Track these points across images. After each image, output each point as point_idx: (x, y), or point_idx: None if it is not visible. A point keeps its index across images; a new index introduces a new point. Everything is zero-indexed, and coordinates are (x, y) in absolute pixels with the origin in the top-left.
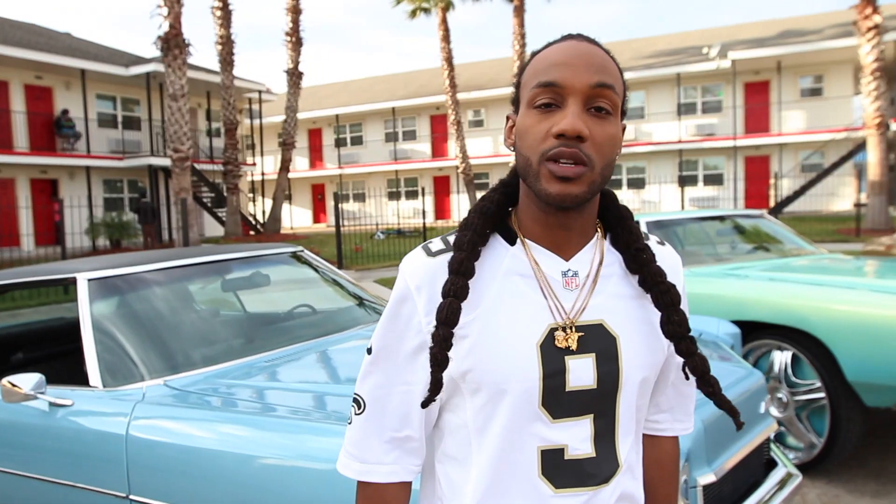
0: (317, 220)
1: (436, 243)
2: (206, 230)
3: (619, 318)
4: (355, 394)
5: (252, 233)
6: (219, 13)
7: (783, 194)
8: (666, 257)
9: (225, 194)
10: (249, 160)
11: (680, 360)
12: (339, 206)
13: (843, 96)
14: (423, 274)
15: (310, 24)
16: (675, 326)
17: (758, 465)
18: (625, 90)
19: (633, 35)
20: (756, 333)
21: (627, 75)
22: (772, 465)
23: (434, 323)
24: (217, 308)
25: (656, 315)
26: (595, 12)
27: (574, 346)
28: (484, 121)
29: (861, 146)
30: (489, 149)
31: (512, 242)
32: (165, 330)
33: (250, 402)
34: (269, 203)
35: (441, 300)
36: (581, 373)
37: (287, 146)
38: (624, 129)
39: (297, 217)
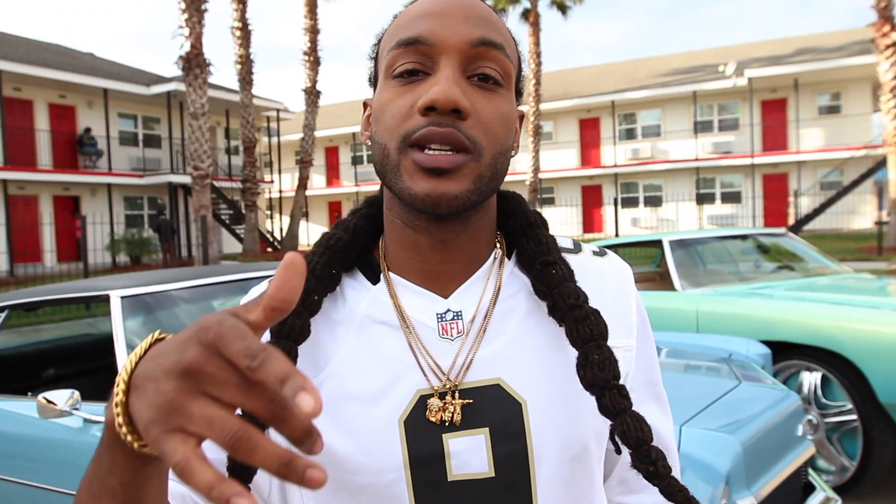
0: None
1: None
2: (224, 247)
3: (525, 374)
4: None
5: (269, 249)
6: (238, 33)
7: (802, 212)
8: (606, 272)
9: (243, 211)
10: (267, 178)
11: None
12: None
13: (861, 114)
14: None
15: (328, 44)
16: (593, 370)
17: (796, 490)
18: (520, 61)
19: (649, 53)
20: (784, 354)
21: (643, 93)
22: (810, 489)
23: None
24: None
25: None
26: (611, 30)
27: (457, 419)
28: None
29: (881, 163)
30: None
31: (374, 280)
32: None
33: None
34: (286, 220)
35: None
36: (468, 456)
37: (304, 164)
38: (522, 118)
39: (313, 234)
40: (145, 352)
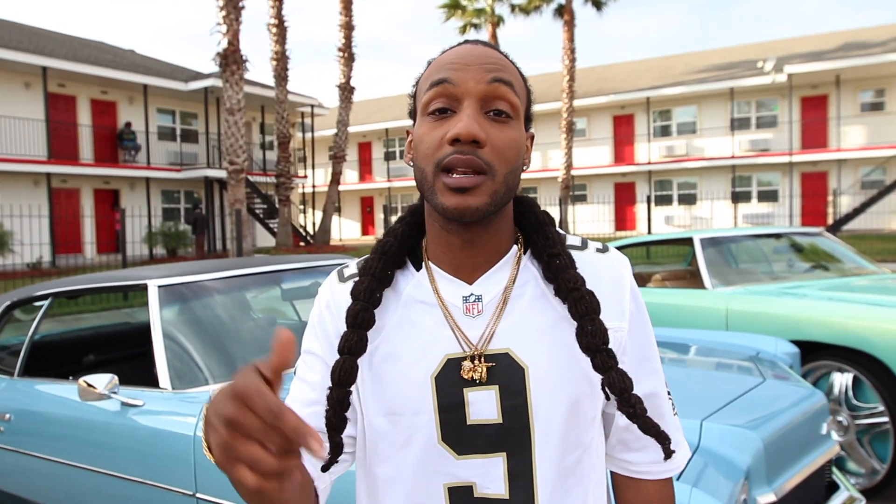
0: (365, 232)
1: (351, 267)
2: (258, 240)
3: (529, 345)
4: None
5: (302, 244)
6: (274, 30)
7: (842, 211)
8: (605, 264)
9: (277, 206)
10: (301, 173)
11: (644, 390)
12: (388, 218)
13: None
14: (332, 299)
15: (361, 40)
16: (589, 338)
17: (819, 488)
18: (528, 95)
19: (686, 49)
20: (815, 354)
21: (679, 90)
22: (833, 488)
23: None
24: (274, 316)
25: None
26: (647, 26)
27: (483, 378)
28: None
29: None
30: (537, 163)
31: (419, 268)
32: (228, 336)
33: None
34: (319, 215)
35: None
36: (482, 405)
37: (338, 159)
38: (531, 138)
39: (346, 229)
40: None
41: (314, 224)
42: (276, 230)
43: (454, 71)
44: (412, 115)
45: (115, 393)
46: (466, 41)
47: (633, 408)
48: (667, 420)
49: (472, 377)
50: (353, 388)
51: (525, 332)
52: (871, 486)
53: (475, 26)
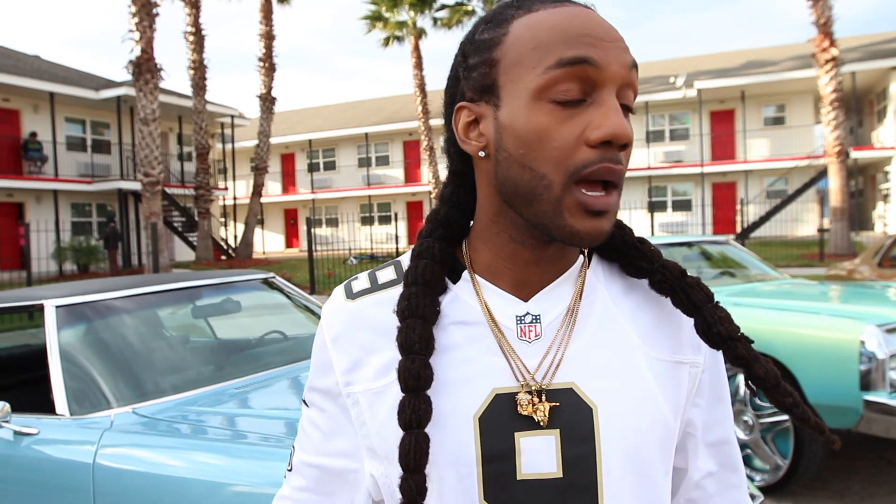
0: (289, 244)
1: (360, 281)
2: (176, 255)
3: (598, 379)
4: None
5: (223, 257)
6: (192, 38)
7: (750, 220)
8: None
9: (196, 219)
10: (221, 185)
11: (718, 437)
12: (312, 230)
13: (804, 125)
14: (340, 323)
15: (283, 50)
16: (722, 325)
17: None
18: None
19: None
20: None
21: None
22: None
23: (353, 386)
24: (187, 334)
25: (660, 364)
26: None
27: (545, 420)
28: None
29: (823, 173)
30: None
31: (455, 278)
32: (134, 357)
33: (221, 429)
34: (241, 227)
35: (359, 358)
36: (537, 455)
37: (260, 171)
38: None
39: (269, 242)
40: None
41: (236, 237)
42: (195, 244)
43: (594, 47)
44: (484, 90)
45: (6, 422)
46: (574, 2)
47: (791, 397)
48: (741, 473)
49: (533, 415)
50: (358, 438)
51: (593, 361)
52: (775, 481)
53: (398, 39)
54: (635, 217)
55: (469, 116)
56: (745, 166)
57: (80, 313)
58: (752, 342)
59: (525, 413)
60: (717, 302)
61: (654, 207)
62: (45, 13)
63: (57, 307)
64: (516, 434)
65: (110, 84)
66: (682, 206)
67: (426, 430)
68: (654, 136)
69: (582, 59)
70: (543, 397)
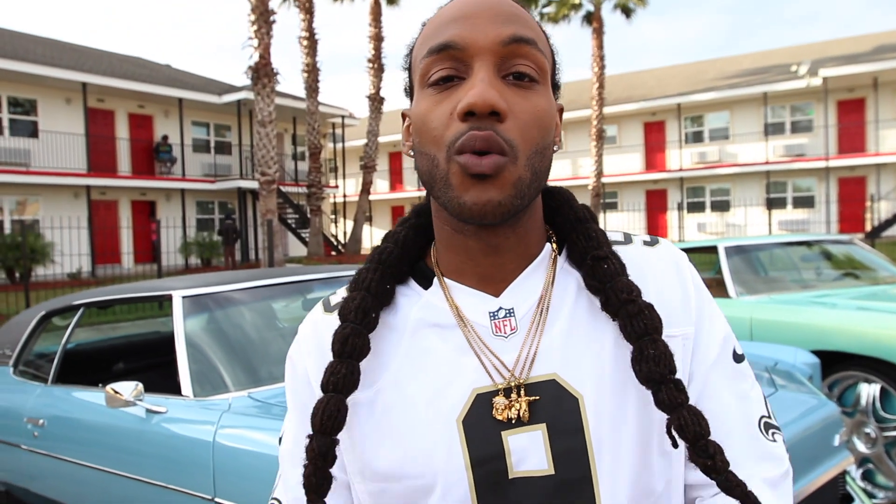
0: None
1: (338, 294)
2: (290, 250)
3: (581, 368)
4: (272, 499)
5: (333, 253)
6: (305, 43)
7: (881, 217)
8: (658, 261)
9: (308, 216)
10: (332, 183)
11: (726, 406)
12: None
13: None
14: (312, 336)
15: (391, 51)
16: (649, 365)
17: (832, 499)
18: (553, 54)
19: (720, 54)
20: (841, 364)
21: (711, 95)
22: (848, 500)
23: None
24: (298, 326)
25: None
26: (679, 31)
27: (524, 416)
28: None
29: None
30: (567, 171)
31: (427, 285)
32: (250, 345)
33: None
34: (350, 224)
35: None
36: (526, 453)
37: (368, 169)
38: (561, 111)
39: (377, 238)
40: None
41: (345, 233)
42: (307, 240)
43: (457, 28)
44: (409, 92)
45: (140, 400)
46: None
47: (711, 459)
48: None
49: (509, 417)
50: (342, 449)
51: (573, 350)
52: None
53: None
54: (751, 214)
55: (407, 122)
56: (877, 159)
57: (203, 303)
58: (684, 388)
59: (500, 417)
60: (656, 338)
61: (772, 204)
62: (175, 24)
63: (184, 297)
64: (503, 433)
65: (231, 89)
66: (804, 202)
67: (410, 444)
68: (773, 129)
69: (444, 45)
70: (522, 392)
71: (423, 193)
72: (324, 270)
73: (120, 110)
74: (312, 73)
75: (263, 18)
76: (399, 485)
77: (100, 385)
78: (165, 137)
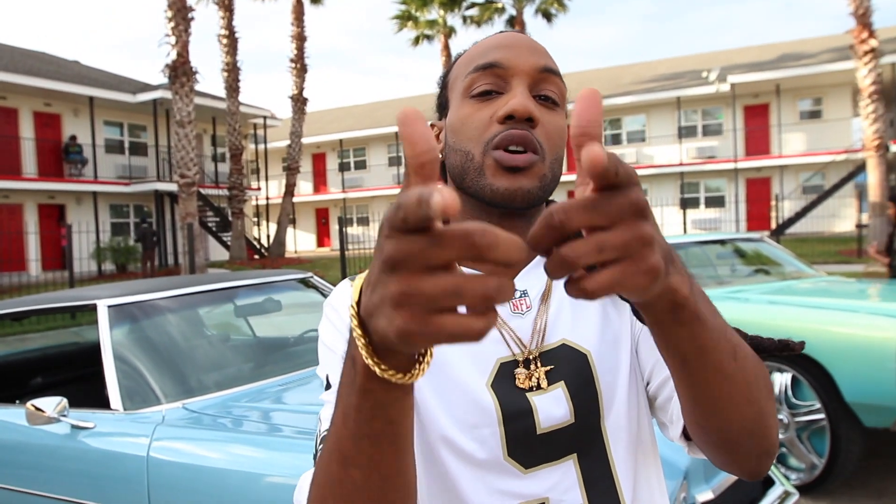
0: (321, 243)
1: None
2: (211, 254)
3: (582, 330)
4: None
5: (256, 257)
6: (225, 41)
7: (785, 216)
8: None
9: (230, 219)
10: (254, 185)
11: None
12: (344, 229)
13: (842, 118)
14: (343, 295)
15: (315, 50)
16: None
17: (755, 484)
18: (565, 90)
19: (635, 59)
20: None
21: (628, 99)
22: (769, 483)
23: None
24: (227, 333)
25: (613, 308)
26: (595, 36)
27: (543, 384)
28: None
29: (861, 167)
30: None
31: None
32: (181, 354)
33: (262, 423)
34: (273, 227)
35: None
36: (552, 410)
37: (291, 171)
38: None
39: (301, 241)
40: (358, 297)
41: (269, 236)
42: (229, 243)
43: (501, 53)
44: (442, 108)
45: (64, 416)
46: (503, 31)
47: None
48: None
49: (530, 385)
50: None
51: (574, 316)
52: (811, 480)
53: (428, 37)
54: (667, 213)
55: (437, 131)
56: (780, 161)
57: (130, 313)
58: None
59: (522, 385)
60: None
61: (686, 204)
62: (84, 19)
63: (109, 307)
64: (528, 395)
65: (147, 87)
66: (716, 202)
67: (448, 401)
68: (686, 132)
69: (490, 64)
70: (539, 363)
71: (346, 196)
72: (254, 276)
73: (24, 108)
74: (233, 72)
75: (181, 15)
76: (441, 433)
77: (17, 402)
78: (74, 137)
